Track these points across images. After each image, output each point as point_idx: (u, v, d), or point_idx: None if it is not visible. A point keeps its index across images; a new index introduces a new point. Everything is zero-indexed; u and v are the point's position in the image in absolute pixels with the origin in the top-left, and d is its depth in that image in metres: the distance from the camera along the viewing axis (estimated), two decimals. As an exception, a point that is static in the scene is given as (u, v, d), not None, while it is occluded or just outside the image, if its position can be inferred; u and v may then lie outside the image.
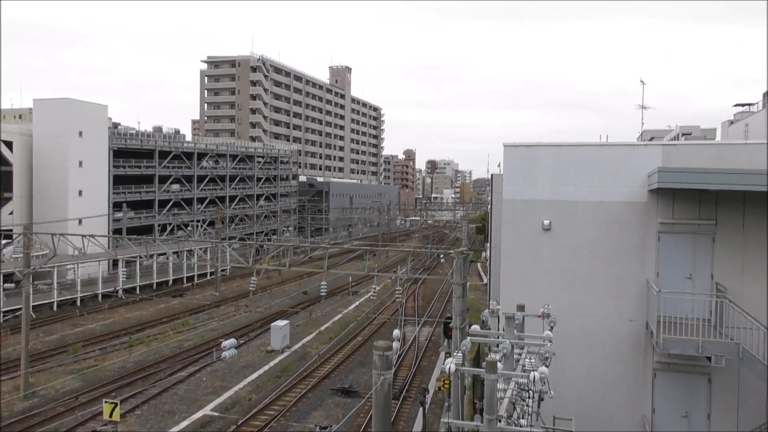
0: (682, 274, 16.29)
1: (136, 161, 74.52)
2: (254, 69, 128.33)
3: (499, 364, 9.18)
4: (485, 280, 59.49)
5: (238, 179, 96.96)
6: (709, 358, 14.59)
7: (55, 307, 52.45)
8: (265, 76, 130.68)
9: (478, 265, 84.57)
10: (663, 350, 14.75)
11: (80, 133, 64.67)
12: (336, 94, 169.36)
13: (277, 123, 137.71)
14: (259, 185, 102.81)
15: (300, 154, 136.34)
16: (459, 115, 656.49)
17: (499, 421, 9.14)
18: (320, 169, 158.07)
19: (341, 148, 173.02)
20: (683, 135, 51.13)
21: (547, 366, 10.56)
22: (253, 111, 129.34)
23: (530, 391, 10.12)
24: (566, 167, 17.19)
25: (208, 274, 69.82)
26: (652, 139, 53.32)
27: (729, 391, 15.84)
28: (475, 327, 12.78)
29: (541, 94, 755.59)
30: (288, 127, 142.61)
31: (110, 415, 19.33)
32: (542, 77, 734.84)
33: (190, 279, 67.88)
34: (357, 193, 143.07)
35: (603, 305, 16.82)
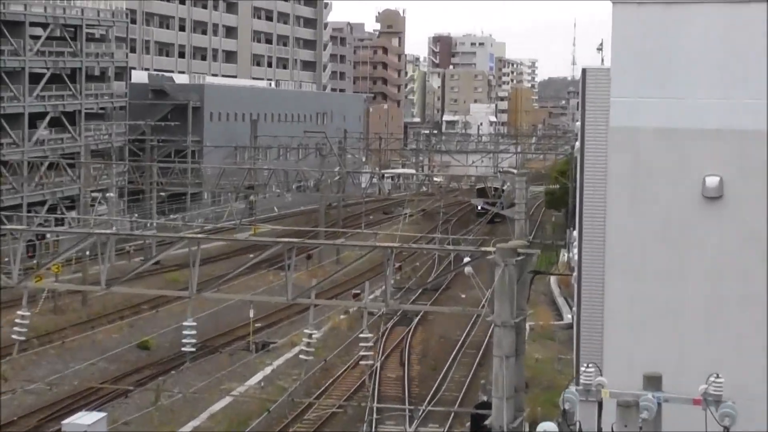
0: None
1: None
2: None
3: None
4: (568, 316, 34.80)
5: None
6: None
7: None
8: None
9: (550, 280, 43.17)
10: None
11: None
12: None
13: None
14: (42, 94, 49.91)
15: (137, 23, 73.78)
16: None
17: None
18: (183, 57, 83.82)
19: (231, 29, 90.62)
20: None
21: None
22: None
23: None
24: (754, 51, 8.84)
25: None
26: None
27: None
28: (547, 424, 7.83)
29: None
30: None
31: None
32: None
33: None
34: (269, 111, 74.29)
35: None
